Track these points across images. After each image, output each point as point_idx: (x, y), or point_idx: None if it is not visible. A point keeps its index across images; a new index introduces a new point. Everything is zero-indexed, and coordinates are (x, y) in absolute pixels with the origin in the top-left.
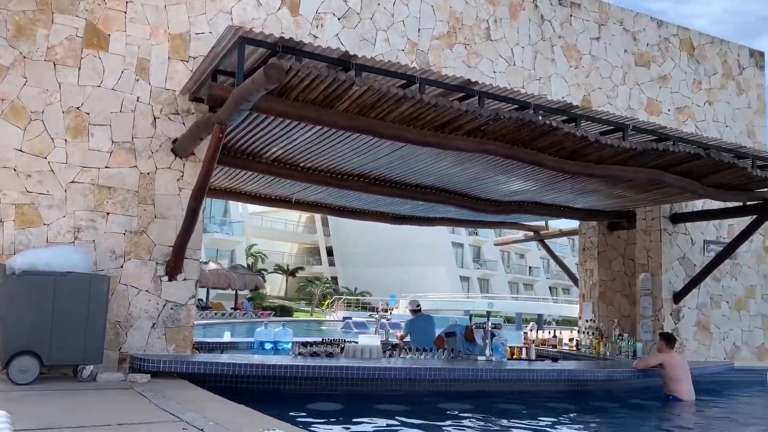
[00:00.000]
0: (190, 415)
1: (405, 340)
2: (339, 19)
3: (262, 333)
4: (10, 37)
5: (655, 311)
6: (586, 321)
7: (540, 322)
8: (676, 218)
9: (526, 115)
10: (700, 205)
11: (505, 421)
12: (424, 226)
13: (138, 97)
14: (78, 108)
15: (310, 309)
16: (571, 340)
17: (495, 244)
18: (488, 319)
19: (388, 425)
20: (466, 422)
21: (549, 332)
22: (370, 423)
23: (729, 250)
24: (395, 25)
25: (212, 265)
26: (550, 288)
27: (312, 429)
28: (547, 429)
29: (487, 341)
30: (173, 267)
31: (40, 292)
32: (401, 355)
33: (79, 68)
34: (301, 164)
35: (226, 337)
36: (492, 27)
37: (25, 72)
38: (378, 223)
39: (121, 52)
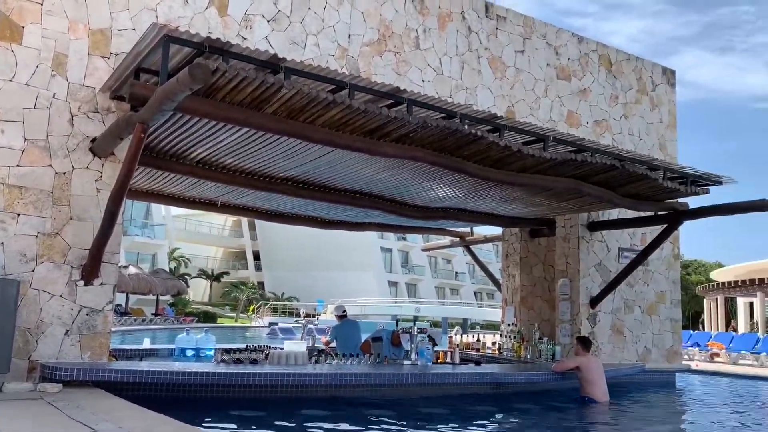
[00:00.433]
0: (106, 426)
1: (331, 345)
2: (268, 21)
3: (184, 339)
4: None
5: (573, 315)
6: (508, 325)
7: (465, 326)
8: (593, 226)
9: (452, 124)
10: (615, 214)
11: (429, 425)
12: (352, 231)
13: (54, 94)
14: None
15: (235, 315)
16: (494, 343)
17: (422, 250)
18: (415, 324)
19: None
20: (391, 427)
21: (473, 336)
22: (296, 430)
23: (642, 257)
24: (326, 30)
25: (132, 270)
26: (475, 293)
27: None
28: (470, 430)
29: (413, 345)
30: (90, 271)
31: None
32: (327, 361)
33: None
34: (228, 166)
35: (146, 344)
36: (421, 36)
37: None
38: (306, 227)
39: (36, 46)
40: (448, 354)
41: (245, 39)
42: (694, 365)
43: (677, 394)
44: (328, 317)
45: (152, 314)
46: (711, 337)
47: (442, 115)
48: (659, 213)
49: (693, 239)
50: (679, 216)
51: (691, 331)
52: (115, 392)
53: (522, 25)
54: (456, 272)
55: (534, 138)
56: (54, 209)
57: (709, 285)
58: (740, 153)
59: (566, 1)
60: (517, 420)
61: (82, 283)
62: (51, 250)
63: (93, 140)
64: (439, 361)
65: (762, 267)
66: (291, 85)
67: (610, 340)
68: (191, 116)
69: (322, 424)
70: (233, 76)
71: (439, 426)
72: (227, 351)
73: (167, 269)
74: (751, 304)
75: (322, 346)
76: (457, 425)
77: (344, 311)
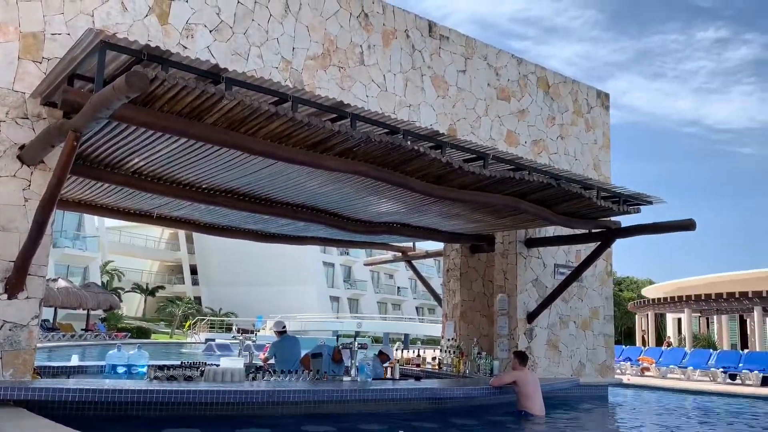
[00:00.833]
0: None
1: (269, 362)
2: (211, 31)
3: (115, 356)
4: None
5: (511, 330)
6: (448, 340)
7: (406, 341)
8: (531, 243)
9: (395, 140)
10: (551, 231)
11: None
12: (293, 245)
13: None
14: None
15: (170, 330)
16: (434, 359)
17: (365, 264)
18: (355, 340)
19: None
20: None
21: (414, 351)
22: None
23: (576, 273)
24: (269, 42)
25: (62, 283)
26: (417, 308)
27: None
28: None
29: (353, 361)
30: (14, 284)
31: None
32: (265, 378)
33: None
34: (165, 177)
35: (74, 361)
36: (366, 52)
37: None
38: (246, 240)
39: None
40: (389, 369)
41: (186, 48)
42: (626, 379)
43: (610, 408)
44: (267, 333)
45: (82, 330)
46: (642, 352)
47: (386, 130)
48: (593, 231)
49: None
50: (611, 234)
51: (623, 346)
52: (40, 412)
53: (464, 45)
54: (398, 287)
55: (474, 156)
56: None
57: (640, 301)
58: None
59: (507, 24)
60: None
61: (5, 296)
62: None
63: (21, 147)
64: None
65: (690, 284)
66: (232, 96)
67: (546, 355)
68: (127, 125)
69: None
70: (172, 85)
71: None
72: (160, 368)
73: (99, 283)
74: (679, 320)
75: (260, 363)
76: None
77: (284, 327)
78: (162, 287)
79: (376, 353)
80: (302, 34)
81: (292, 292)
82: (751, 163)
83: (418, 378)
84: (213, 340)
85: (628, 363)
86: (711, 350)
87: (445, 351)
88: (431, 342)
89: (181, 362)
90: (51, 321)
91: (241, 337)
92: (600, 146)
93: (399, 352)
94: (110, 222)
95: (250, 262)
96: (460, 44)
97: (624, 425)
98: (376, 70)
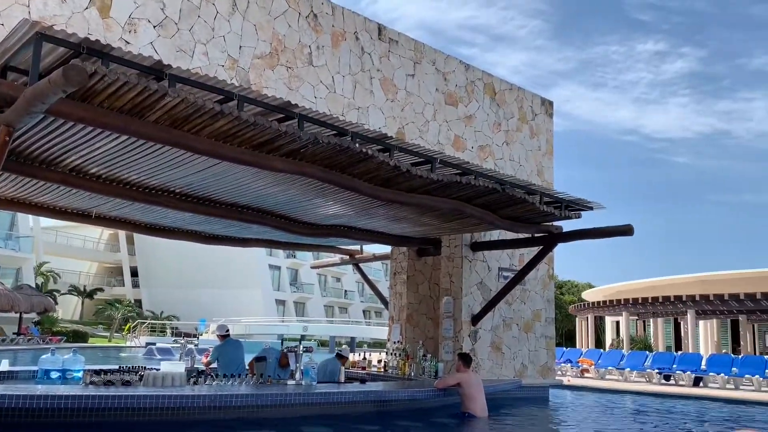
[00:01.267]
0: None
1: (212, 366)
2: (155, 27)
3: (48, 360)
4: None
5: (456, 333)
6: (394, 343)
7: (353, 344)
8: (476, 246)
9: (344, 142)
10: (496, 235)
11: None
12: (238, 247)
13: None
14: None
15: (108, 334)
16: (379, 361)
17: (312, 267)
18: (300, 343)
19: None
20: None
21: (360, 354)
22: None
23: (519, 276)
24: (215, 39)
25: None
26: (364, 311)
27: None
28: None
29: (298, 365)
30: None
31: None
32: (207, 382)
33: None
34: (104, 176)
35: (4, 366)
36: (314, 53)
37: None
38: (189, 242)
39: None
40: (329, 373)
41: (128, 43)
42: (566, 380)
43: (551, 408)
44: (210, 337)
45: (14, 333)
46: (582, 354)
47: (334, 132)
48: (536, 235)
49: (567, 261)
50: (553, 238)
51: (564, 348)
52: None
53: (413, 49)
54: (345, 290)
55: (422, 159)
56: None
57: (580, 305)
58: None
59: (455, 31)
60: None
61: None
62: None
63: None
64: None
65: (628, 288)
66: (176, 93)
67: (489, 357)
68: (64, 121)
69: None
70: (113, 80)
71: None
72: (97, 372)
73: (33, 285)
74: (617, 323)
75: (202, 367)
76: None
77: (227, 331)
78: (101, 289)
79: (336, 356)
80: (250, 33)
81: (236, 295)
82: (685, 172)
83: (363, 381)
84: (154, 344)
85: (569, 364)
86: (647, 352)
87: (391, 354)
88: (378, 345)
89: (120, 367)
90: None
91: (183, 341)
92: (543, 153)
93: None
94: (46, 221)
95: (193, 265)
96: (409, 48)
97: (564, 425)
98: (325, 71)
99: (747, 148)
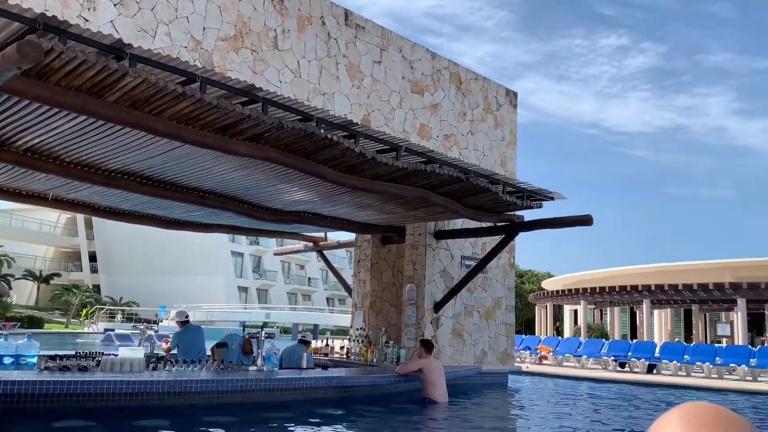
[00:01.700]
0: None
1: (172, 352)
2: (115, 5)
3: (1, 346)
4: None
5: (418, 320)
6: (357, 329)
7: (316, 332)
8: (440, 235)
9: (309, 127)
10: (459, 224)
11: (273, 430)
12: (200, 233)
13: None
14: None
15: (65, 320)
16: (342, 348)
17: (275, 254)
18: (262, 330)
19: None
20: None
21: (322, 341)
22: None
23: (481, 265)
24: (178, 20)
25: None
26: (327, 299)
27: None
28: None
29: (259, 351)
30: None
31: None
32: (166, 368)
33: None
34: (61, 157)
35: None
36: (280, 37)
37: None
38: (149, 227)
39: None
40: (304, 357)
41: (87, 21)
42: (525, 367)
43: (509, 394)
44: (171, 324)
45: None
46: (540, 341)
47: (299, 117)
48: (498, 224)
49: (528, 251)
50: (515, 227)
51: (523, 336)
52: None
53: (380, 36)
54: (309, 278)
55: (388, 147)
56: None
57: (540, 293)
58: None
59: (422, 19)
60: (360, 421)
61: None
62: None
63: None
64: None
65: (586, 277)
66: (136, 73)
67: (451, 343)
68: (19, 99)
69: None
70: (71, 58)
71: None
72: (52, 358)
73: None
74: (575, 311)
75: (162, 353)
76: (301, 429)
77: (186, 317)
78: (57, 274)
79: (299, 342)
80: (214, 14)
81: (198, 281)
82: (643, 166)
83: (325, 367)
84: (113, 330)
85: (528, 351)
86: (603, 340)
87: (354, 340)
88: (341, 332)
89: (77, 352)
90: None
91: (142, 327)
92: (507, 143)
93: None
94: (0, 204)
95: (153, 250)
96: (376, 35)
97: (521, 410)
98: (291, 55)
99: (702, 143)
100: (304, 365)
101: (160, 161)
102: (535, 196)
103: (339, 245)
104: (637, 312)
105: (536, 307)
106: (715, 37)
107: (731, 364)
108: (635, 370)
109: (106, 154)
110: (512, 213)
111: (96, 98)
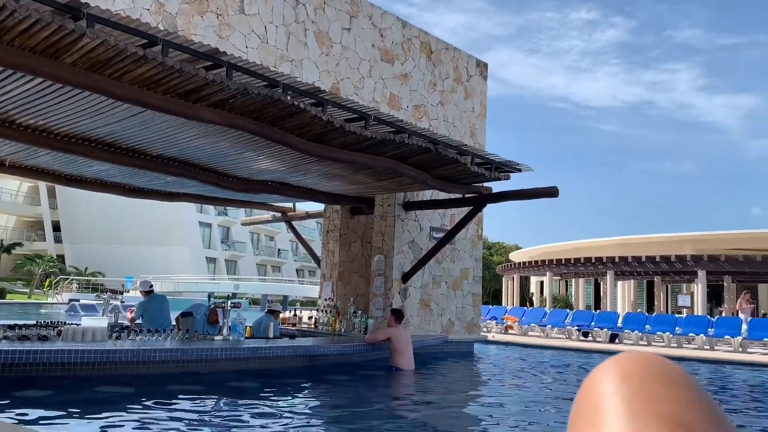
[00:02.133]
0: None
1: (137, 322)
2: None
3: None
4: None
5: (386, 290)
6: (325, 300)
7: (285, 303)
8: (409, 206)
9: (275, 93)
10: (429, 195)
11: (239, 398)
12: (166, 202)
13: None
14: None
15: (29, 291)
16: (310, 318)
17: (242, 224)
18: (228, 300)
19: (109, 409)
20: (198, 402)
21: (290, 312)
22: (88, 407)
23: (450, 236)
24: None
25: None
26: (297, 270)
27: (20, 418)
28: (280, 402)
29: (225, 320)
30: None
31: None
32: (130, 337)
33: None
34: (17, 121)
35: None
36: (246, 1)
37: None
38: (115, 196)
39: None
40: (271, 326)
41: None
42: (491, 336)
43: (475, 362)
44: (137, 294)
45: None
46: (506, 311)
47: (265, 83)
48: (467, 195)
49: (497, 224)
50: (483, 199)
51: (490, 306)
52: None
53: (349, 2)
54: (279, 249)
55: (356, 116)
56: None
57: (507, 265)
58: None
59: None
60: (326, 389)
61: None
62: None
63: None
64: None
65: (553, 249)
66: (95, 34)
67: (418, 313)
68: None
69: (120, 402)
70: (24, 16)
71: (249, 399)
72: (11, 327)
73: None
74: (541, 283)
75: (126, 323)
76: (268, 397)
77: (150, 286)
78: (19, 244)
79: (267, 312)
80: None
81: (165, 252)
82: (611, 140)
83: (292, 336)
84: (77, 300)
85: (494, 321)
86: (568, 310)
87: (322, 310)
88: (310, 303)
89: (37, 321)
90: None
91: (106, 296)
92: (477, 114)
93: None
94: None
95: (119, 220)
96: (345, 1)
97: (485, 376)
98: (257, 20)
99: (669, 119)
100: (271, 335)
101: (121, 127)
102: (503, 168)
103: (308, 216)
104: (602, 283)
105: (503, 278)
106: (684, 13)
107: (690, 334)
108: (598, 339)
109: (65, 118)
110: (480, 184)
111: (52, 60)
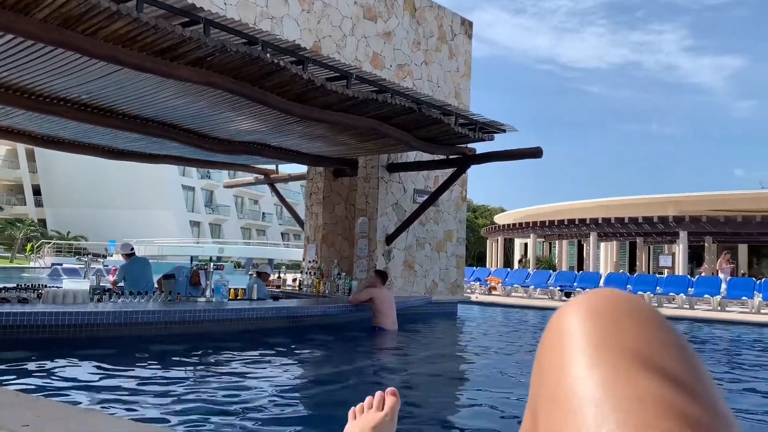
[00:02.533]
0: None
1: (119, 285)
2: None
3: None
4: None
5: (370, 252)
6: (309, 262)
7: (271, 266)
8: (392, 168)
9: (254, 51)
10: (412, 156)
11: (224, 359)
12: (146, 164)
13: None
14: None
15: (10, 255)
16: (294, 280)
17: (225, 186)
18: (211, 262)
19: (90, 370)
20: (180, 363)
21: (275, 274)
22: (72, 368)
23: (433, 198)
24: None
25: None
26: (282, 234)
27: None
28: (262, 362)
29: (208, 282)
30: None
31: None
32: (112, 299)
33: None
34: None
35: None
36: None
37: None
38: (96, 159)
39: None
40: (247, 291)
41: None
42: (474, 297)
43: (458, 322)
44: (119, 258)
45: None
46: (490, 273)
47: (244, 40)
48: (450, 157)
49: (482, 186)
50: (467, 160)
51: (474, 268)
52: None
53: None
54: (263, 213)
55: (338, 75)
56: None
57: (491, 227)
58: (524, 108)
59: None
60: (310, 349)
61: None
62: None
63: None
64: (238, 297)
65: (536, 212)
66: None
67: (402, 275)
68: None
69: (102, 363)
70: None
71: (232, 360)
72: None
73: None
74: (525, 245)
75: (109, 286)
76: (251, 358)
77: (132, 249)
78: (0, 208)
79: (252, 274)
80: None
81: (148, 215)
82: (597, 102)
83: (276, 298)
84: (60, 264)
85: (478, 283)
86: (551, 271)
87: (307, 272)
88: (295, 267)
89: (17, 285)
90: None
91: (87, 259)
92: (461, 74)
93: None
94: None
95: (102, 184)
96: None
97: (468, 336)
98: None
99: (655, 80)
100: (255, 296)
101: (97, 86)
102: (487, 129)
103: (291, 178)
104: (585, 245)
105: (488, 240)
106: None
107: (671, 293)
108: None
109: (38, 77)
110: (464, 145)
111: (22, 15)
